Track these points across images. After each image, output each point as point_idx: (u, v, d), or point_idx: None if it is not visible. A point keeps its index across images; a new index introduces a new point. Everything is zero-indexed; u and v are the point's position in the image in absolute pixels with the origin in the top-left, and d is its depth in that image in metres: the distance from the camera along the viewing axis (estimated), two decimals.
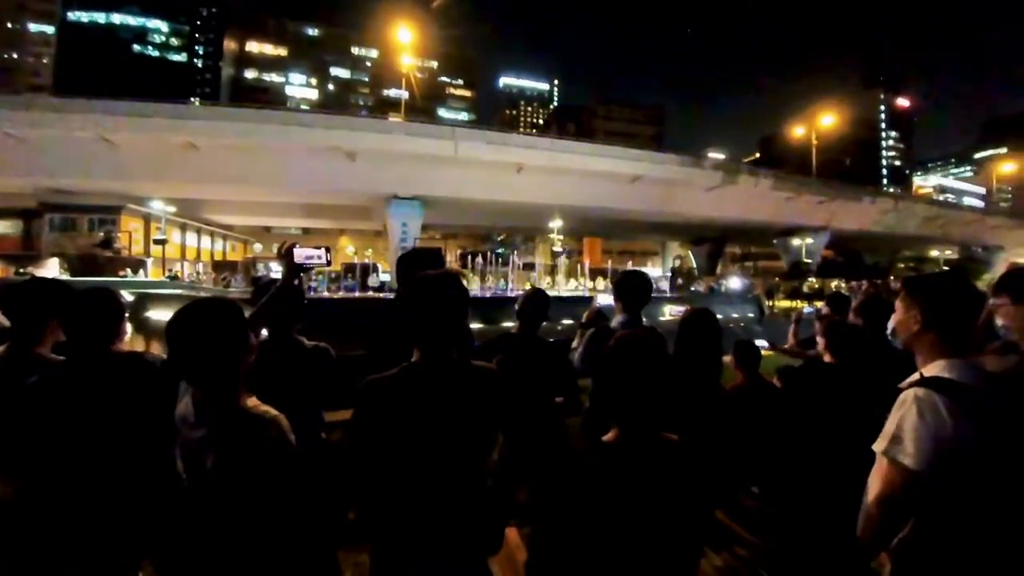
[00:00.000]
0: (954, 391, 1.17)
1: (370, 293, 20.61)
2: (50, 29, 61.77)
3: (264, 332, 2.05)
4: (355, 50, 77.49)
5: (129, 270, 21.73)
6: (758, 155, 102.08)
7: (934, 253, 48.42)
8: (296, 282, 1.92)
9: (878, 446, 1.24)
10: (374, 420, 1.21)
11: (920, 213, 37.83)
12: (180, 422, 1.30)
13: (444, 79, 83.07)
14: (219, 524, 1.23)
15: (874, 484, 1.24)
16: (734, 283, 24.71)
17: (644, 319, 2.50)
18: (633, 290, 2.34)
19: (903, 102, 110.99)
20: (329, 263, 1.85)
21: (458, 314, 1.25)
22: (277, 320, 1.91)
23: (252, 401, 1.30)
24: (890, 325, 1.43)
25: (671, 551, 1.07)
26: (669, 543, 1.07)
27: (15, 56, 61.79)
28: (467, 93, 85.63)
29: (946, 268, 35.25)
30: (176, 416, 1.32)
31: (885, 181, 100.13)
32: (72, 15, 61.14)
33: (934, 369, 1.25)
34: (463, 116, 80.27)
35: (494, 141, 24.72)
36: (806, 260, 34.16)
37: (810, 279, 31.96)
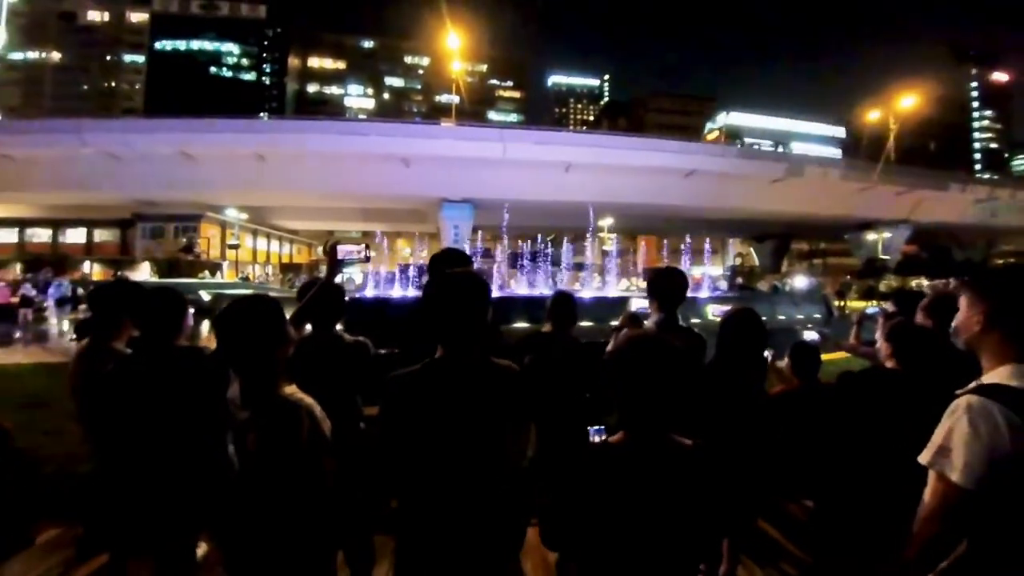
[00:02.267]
0: (1017, 400, 1.02)
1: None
2: (140, 58, 68.93)
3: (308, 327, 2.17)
4: (408, 59, 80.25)
5: (207, 272, 23.66)
6: None
7: None
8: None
9: (923, 457, 1.12)
10: (397, 413, 1.25)
11: (1023, 200, 33.70)
12: (231, 404, 1.43)
13: (494, 82, 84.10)
14: (261, 500, 1.34)
15: (925, 499, 1.13)
16: (799, 282, 23.14)
17: (688, 319, 2.41)
18: (667, 289, 2.25)
19: (1000, 77, 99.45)
20: (368, 259, 1.95)
21: (479, 312, 1.27)
22: (320, 316, 2.01)
23: (290, 388, 1.41)
24: (953, 324, 1.28)
25: (675, 557, 1.02)
26: (673, 548, 1.02)
27: (113, 84, 69.28)
28: (516, 94, 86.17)
29: None
30: (228, 399, 1.45)
31: (979, 167, 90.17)
32: (159, 44, 67.85)
33: (996, 375, 1.11)
34: (513, 117, 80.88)
35: (542, 140, 24.71)
36: (882, 256, 31.33)
37: (887, 277, 29.30)
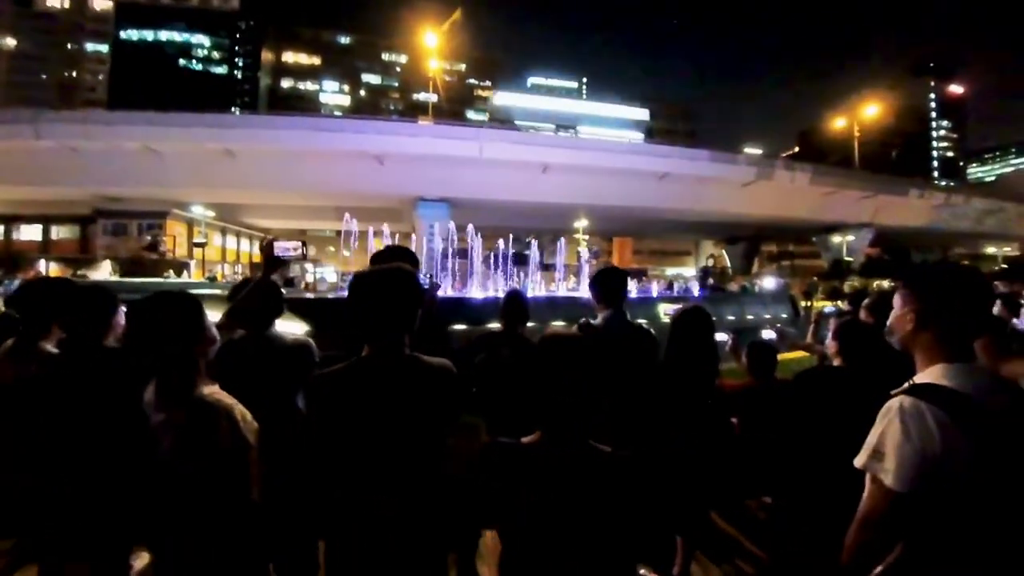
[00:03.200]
0: (947, 400, 1.02)
1: None
2: (104, 48, 65.97)
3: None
4: (385, 56, 79.14)
5: (172, 271, 22.83)
6: (797, 149, 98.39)
7: (991, 250, 45.35)
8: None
9: (858, 460, 1.12)
10: (322, 413, 1.20)
11: (976, 207, 35.46)
12: (147, 407, 1.36)
13: (472, 81, 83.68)
14: (181, 506, 1.27)
15: (862, 501, 1.13)
16: (768, 282, 23.77)
17: (642, 320, 2.43)
18: (609, 287, 2.29)
19: (956, 89, 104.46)
20: (304, 256, 1.89)
21: (403, 308, 1.23)
22: (256, 315, 1.93)
23: (210, 389, 1.34)
24: (888, 323, 1.29)
25: (592, 558, 1.00)
26: (589, 551, 1.00)
27: (74, 75, 66.27)
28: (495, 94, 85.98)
29: (1004, 266, 32.89)
30: (144, 401, 1.37)
31: (936, 174, 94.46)
32: (124, 34, 64.99)
33: (929, 375, 1.10)
34: None
35: (518, 141, 24.75)
36: (847, 258, 32.54)
37: (852, 278, 30.41)
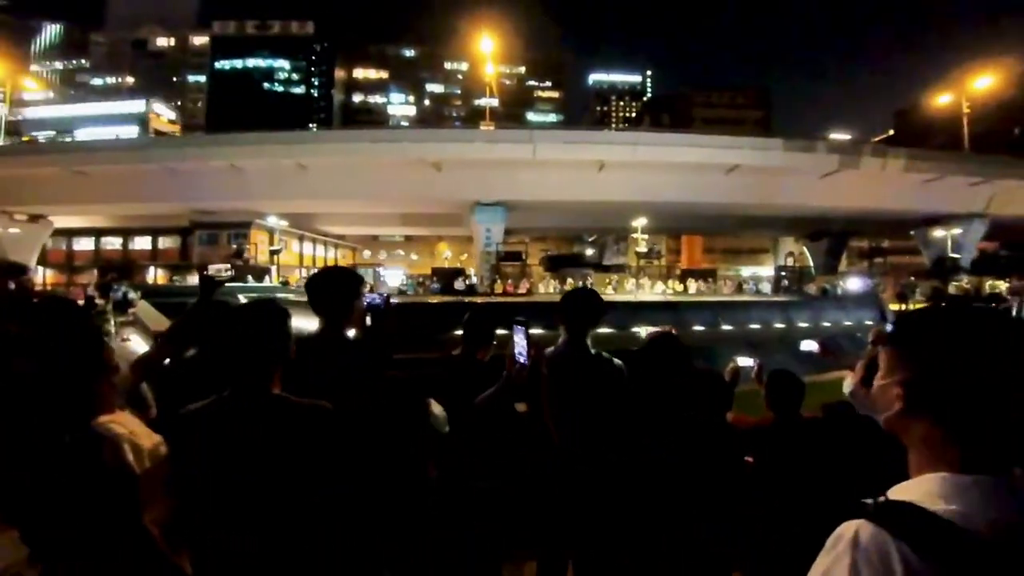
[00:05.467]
0: (935, 540, 0.61)
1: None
2: (203, 78, 74.22)
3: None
4: (447, 65, 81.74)
5: (251, 277, 24.95)
6: (892, 132, 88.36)
7: None
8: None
9: None
10: (182, 453, 1.18)
11: None
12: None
13: (532, 83, 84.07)
14: (61, 532, 1.23)
15: None
16: (853, 283, 21.40)
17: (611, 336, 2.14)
18: (571, 311, 2.03)
19: None
20: (233, 278, 1.85)
21: (263, 346, 1.18)
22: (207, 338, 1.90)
23: (107, 418, 1.30)
24: (849, 387, 0.83)
25: None
26: None
27: (179, 103, 75.01)
28: (555, 95, 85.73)
29: None
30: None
31: None
32: (218, 64, 72.84)
33: (915, 488, 0.68)
34: (551, 118, 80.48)
35: (573, 140, 24.31)
36: (953, 255, 28.43)
37: (960, 277, 26.53)
